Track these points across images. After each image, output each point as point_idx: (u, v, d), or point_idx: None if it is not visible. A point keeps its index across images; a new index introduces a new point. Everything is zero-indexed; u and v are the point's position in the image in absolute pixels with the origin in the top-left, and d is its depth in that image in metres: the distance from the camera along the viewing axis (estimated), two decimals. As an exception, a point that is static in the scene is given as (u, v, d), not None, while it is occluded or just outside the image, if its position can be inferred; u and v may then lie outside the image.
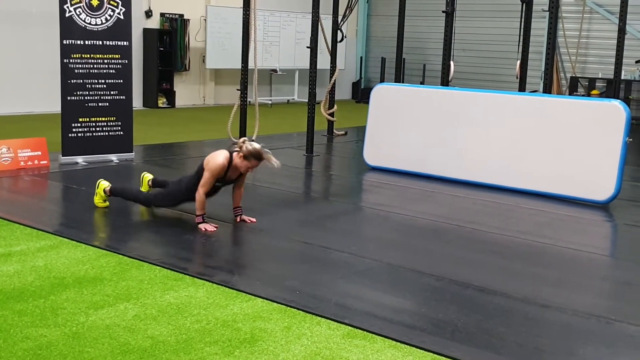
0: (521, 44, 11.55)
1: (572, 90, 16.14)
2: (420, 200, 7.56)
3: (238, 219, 6.19)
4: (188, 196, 6.06)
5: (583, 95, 15.52)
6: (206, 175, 5.86)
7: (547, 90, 9.29)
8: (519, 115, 8.05)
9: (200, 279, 4.79)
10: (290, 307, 4.35)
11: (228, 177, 5.98)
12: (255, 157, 5.84)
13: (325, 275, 5.01)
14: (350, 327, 4.08)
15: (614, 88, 13.06)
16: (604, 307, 4.66)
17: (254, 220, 6.21)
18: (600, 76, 15.92)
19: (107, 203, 6.47)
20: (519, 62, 11.45)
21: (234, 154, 5.90)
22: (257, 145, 5.86)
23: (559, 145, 7.74)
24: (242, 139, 5.95)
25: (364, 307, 4.40)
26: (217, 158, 5.88)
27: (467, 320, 4.24)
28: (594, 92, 15.82)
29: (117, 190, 6.45)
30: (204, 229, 5.87)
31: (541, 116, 7.91)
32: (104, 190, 6.43)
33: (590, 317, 4.41)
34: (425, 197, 7.72)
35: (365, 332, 4.03)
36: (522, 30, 11.54)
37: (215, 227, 5.92)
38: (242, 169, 5.93)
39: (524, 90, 11.52)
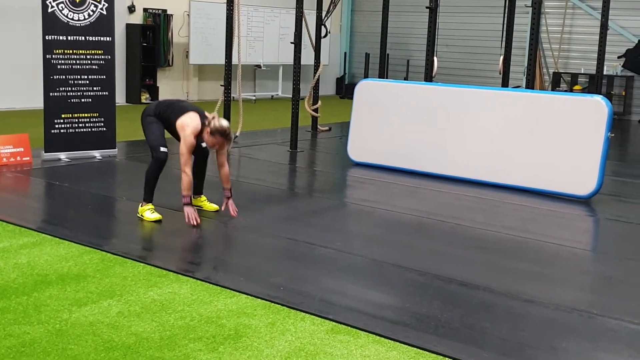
0: (504, 39, 11.59)
1: (555, 85, 16.23)
2: (404, 196, 7.58)
3: (225, 202, 6.18)
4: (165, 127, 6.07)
5: (565, 91, 15.61)
6: (183, 150, 5.82)
7: (530, 85, 9.33)
8: (502, 111, 8.09)
9: (184, 275, 4.78)
10: (275, 303, 4.35)
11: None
12: (221, 134, 5.81)
13: (309, 271, 5.02)
14: (334, 323, 4.09)
15: (596, 83, 13.14)
16: (586, 302, 4.69)
17: (234, 214, 6.18)
18: (582, 71, 16.02)
19: (159, 215, 6.12)
20: (502, 57, 11.50)
21: (205, 127, 5.88)
22: (225, 123, 5.83)
23: (541, 140, 7.78)
24: (212, 114, 5.91)
25: (348, 302, 4.42)
26: (188, 133, 5.84)
27: (450, 315, 4.27)
28: (576, 87, 15.91)
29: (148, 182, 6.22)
30: (187, 214, 5.85)
31: (524, 112, 7.95)
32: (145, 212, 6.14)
33: (572, 311, 4.44)
34: (409, 192, 7.74)
35: (349, 328, 4.04)
36: (505, 25, 11.59)
37: (198, 222, 5.88)
38: (209, 144, 5.93)
39: (507, 86, 11.56)
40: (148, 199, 6.11)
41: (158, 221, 5.99)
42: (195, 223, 5.86)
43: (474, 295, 4.65)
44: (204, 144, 6.10)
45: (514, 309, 4.44)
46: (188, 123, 5.90)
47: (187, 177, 5.85)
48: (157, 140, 6.04)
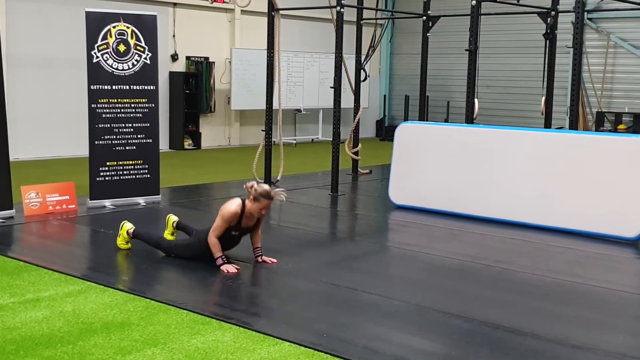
0: (546, 80, 11.53)
1: (599, 125, 16.05)
2: (447, 239, 7.51)
3: (259, 259, 6.20)
4: (206, 249, 6.09)
5: (610, 131, 15.42)
6: (218, 220, 5.96)
7: (574, 126, 9.25)
8: (545, 152, 8.00)
9: (227, 322, 4.77)
10: (318, 350, 4.31)
11: (244, 224, 6.04)
12: (265, 196, 5.91)
13: (352, 317, 4.97)
14: (379, 371, 4.04)
15: (641, 122, 12.97)
16: (636, 347, 4.56)
17: (274, 260, 6.20)
18: (626, 110, 15.83)
19: (130, 245, 6.52)
20: (544, 98, 11.43)
21: (246, 200, 5.96)
22: (265, 186, 5.96)
23: (586, 181, 7.67)
24: (249, 183, 6.01)
25: (393, 350, 4.36)
26: (230, 205, 5.97)
27: (497, 363, 4.18)
28: (620, 126, 15.71)
29: (140, 234, 6.50)
30: (225, 271, 5.87)
31: (568, 153, 7.86)
32: (127, 232, 6.50)
33: (622, 357, 4.33)
34: (452, 236, 7.66)
35: (394, 376, 3.98)
36: (546, 66, 11.54)
37: (237, 268, 5.92)
38: (256, 213, 5.98)
39: (549, 127, 11.47)
40: (137, 234, 6.50)
41: (191, 268, 6.04)
42: (235, 271, 5.90)
43: (522, 341, 4.55)
44: (234, 232, 6.15)
45: (562, 356, 4.33)
46: (231, 200, 6.03)
47: (212, 240, 5.97)
48: (186, 248, 6.28)
